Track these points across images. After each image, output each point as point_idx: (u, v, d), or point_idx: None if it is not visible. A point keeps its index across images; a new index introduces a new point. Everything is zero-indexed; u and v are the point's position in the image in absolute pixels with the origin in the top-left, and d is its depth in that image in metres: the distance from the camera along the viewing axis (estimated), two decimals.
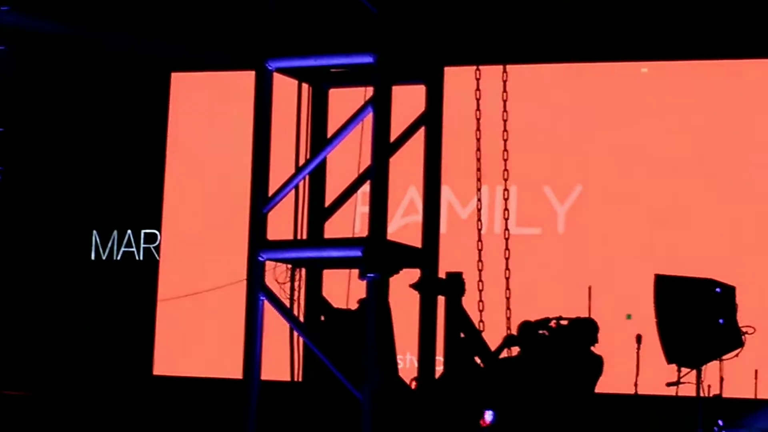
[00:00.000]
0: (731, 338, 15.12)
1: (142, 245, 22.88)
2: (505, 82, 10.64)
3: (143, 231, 22.77)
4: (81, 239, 23.04)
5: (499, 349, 11.85)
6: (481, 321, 10.47)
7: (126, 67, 21.84)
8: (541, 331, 12.99)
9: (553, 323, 13.14)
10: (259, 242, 10.01)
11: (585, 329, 13.27)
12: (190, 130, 21.72)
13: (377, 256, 9.56)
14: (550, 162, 18.28)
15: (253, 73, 10.31)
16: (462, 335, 10.48)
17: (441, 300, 10.21)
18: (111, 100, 21.90)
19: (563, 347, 13.05)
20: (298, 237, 10.36)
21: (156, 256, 22.50)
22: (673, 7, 18.49)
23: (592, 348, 13.09)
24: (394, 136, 9.94)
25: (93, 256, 23.04)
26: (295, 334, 10.23)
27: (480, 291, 10.33)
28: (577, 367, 13.20)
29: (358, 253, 9.66)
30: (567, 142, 18.65)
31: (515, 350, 12.48)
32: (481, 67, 10.67)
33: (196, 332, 20.67)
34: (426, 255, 10.11)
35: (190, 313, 21.08)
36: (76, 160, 22.25)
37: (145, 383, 20.83)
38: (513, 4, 18.79)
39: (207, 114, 21.32)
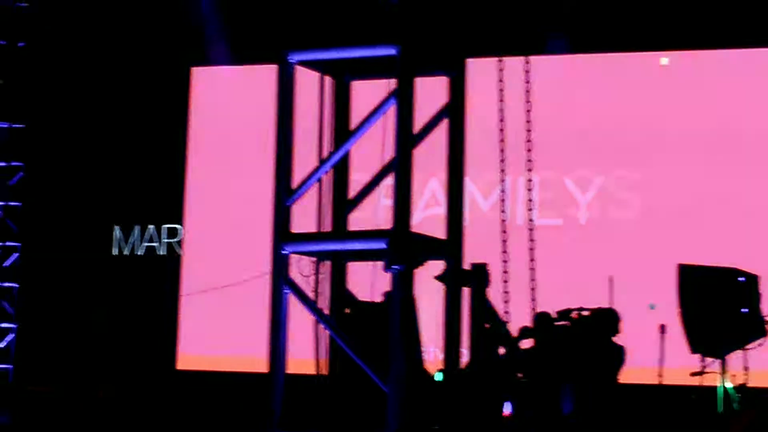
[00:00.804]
0: (755, 327, 15.06)
1: (164, 240, 22.89)
2: (528, 72, 10.60)
3: (165, 226, 22.78)
4: (104, 236, 23.09)
5: (516, 341, 11.85)
6: (506, 312, 10.43)
7: (147, 63, 21.87)
8: (563, 322, 12.98)
9: (574, 314, 13.12)
10: (282, 235, 9.99)
11: (606, 319, 13.25)
12: (212, 125, 21.68)
13: (402, 247, 9.54)
14: (571, 153, 18.26)
15: (274, 66, 10.31)
16: (487, 326, 10.46)
17: (466, 291, 10.19)
18: (132, 96, 21.90)
19: (584, 337, 13.04)
20: (322, 230, 10.35)
21: (178, 250, 22.52)
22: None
23: (613, 338, 13.08)
24: (417, 128, 9.93)
25: (115, 252, 23.08)
26: (320, 326, 10.23)
27: (505, 282, 10.30)
28: (598, 357, 13.18)
29: (382, 245, 9.64)
30: (588, 133, 18.63)
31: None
32: (504, 59, 10.65)
33: (220, 327, 20.68)
34: (450, 246, 10.09)
35: (214, 307, 21.05)
36: (98, 156, 22.25)
37: (169, 378, 20.89)
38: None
39: (228, 108, 21.29)
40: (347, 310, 10.67)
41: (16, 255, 22.76)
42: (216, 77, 22.17)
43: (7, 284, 22.72)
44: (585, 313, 13.09)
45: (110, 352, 20.52)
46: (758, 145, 17.98)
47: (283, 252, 9.99)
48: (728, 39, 18.58)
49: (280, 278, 9.97)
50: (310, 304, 10.07)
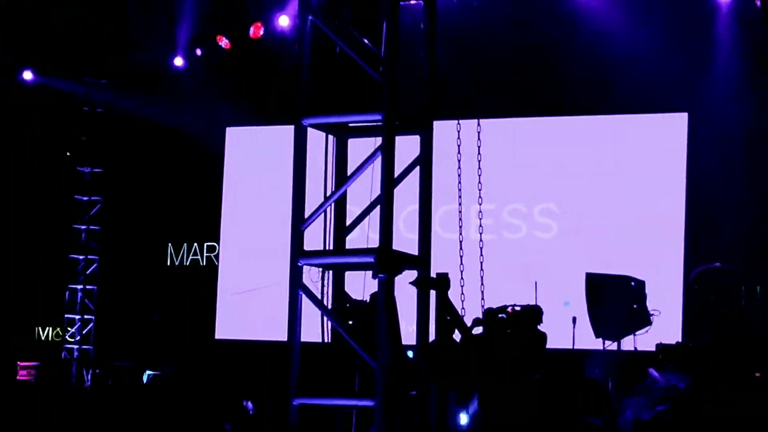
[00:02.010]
0: (643, 319, 15.14)
1: (205, 254, 22.87)
2: (479, 132, 10.62)
3: (206, 244, 22.77)
4: (160, 251, 23.11)
5: (470, 329, 11.87)
6: (462, 308, 10.47)
7: (192, 123, 21.89)
8: (501, 315, 13.06)
9: (510, 309, 13.22)
10: (298, 252, 9.98)
11: (533, 313, 13.37)
12: (242, 169, 21.81)
13: (385, 261, 9.55)
14: (508, 191, 18.34)
15: (291, 127, 10.31)
16: (448, 319, 10.48)
17: (432, 293, 10.22)
18: (183, 148, 21.92)
19: (518, 326, 13.12)
20: (327, 248, 10.36)
21: (216, 262, 22.53)
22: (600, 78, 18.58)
23: (538, 327, 13.17)
24: (396, 173, 9.94)
25: (168, 263, 23.07)
26: (325, 318, 10.22)
27: (461, 286, 10.33)
28: (527, 341, 13.25)
29: (371, 259, 9.64)
30: (520, 178, 18.72)
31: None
32: (461, 121, 10.67)
33: (248, 323, 20.74)
34: (421, 260, 10.10)
35: (243, 307, 21.17)
36: (157, 192, 22.27)
37: (209, 350, 20.99)
38: (483, 79, 18.89)
39: (255, 157, 21.33)
40: (348, 305, 10.69)
41: (95, 265, 22.76)
42: (245, 134, 22.21)
43: (89, 287, 22.74)
44: (518, 308, 13.20)
45: (167, 335, 20.60)
46: (639, 188, 18.09)
47: (299, 264, 9.99)
48: (618, 108, 18.69)
49: (296, 283, 9.99)
50: (318, 302, 10.07)
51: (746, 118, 17.77)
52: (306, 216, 10.05)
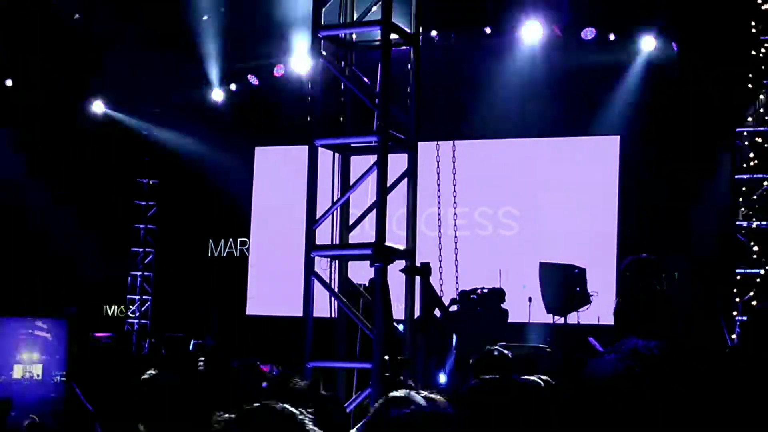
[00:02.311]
0: (584, 299, 15.13)
1: (238, 247, 22.88)
2: (454, 151, 10.61)
3: (239, 239, 22.78)
4: (203, 245, 23.13)
5: (448, 306, 11.86)
6: (441, 290, 10.46)
7: (230, 143, 21.97)
8: (472, 296, 13.06)
9: (479, 291, 13.24)
10: (311, 245, 9.95)
11: (498, 294, 13.38)
12: (267, 180, 21.82)
13: (380, 253, 9.55)
14: (478, 197, 18.31)
15: (306, 147, 10.30)
16: (430, 298, 10.48)
17: (417, 279, 10.21)
18: (222, 163, 21.93)
19: (486, 304, 13.12)
20: (334, 242, 10.34)
21: (246, 254, 22.55)
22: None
23: (502, 305, 13.18)
24: (389, 183, 9.94)
25: (209, 254, 23.10)
26: (333, 299, 10.21)
27: (440, 273, 10.32)
28: (494, 317, 13.25)
29: (369, 251, 9.64)
30: (488, 186, 18.72)
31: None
32: (440, 143, 10.67)
33: (272, 302, 20.71)
34: (409, 252, 10.08)
35: (268, 289, 21.19)
36: (200, 198, 22.28)
37: (241, 322, 21.00)
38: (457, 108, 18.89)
39: (277, 171, 21.35)
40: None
41: (151, 256, 22.81)
42: (270, 152, 22.23)
43: (147, 273, 22.88)
44: (485, 290, 13.19)
45: (208, 312, 20.54)
46: (582, 195, 18.10)
47: (311, 255, 9.98)
48: (564, 131, 18.70)
49: (310, 270, 9.98)
50: (327, 286, 10.06)
51: (667, 139, 17.84)
52: (317, 217, 10.05)
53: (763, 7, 10.97)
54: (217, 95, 21.98)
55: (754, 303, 14.07)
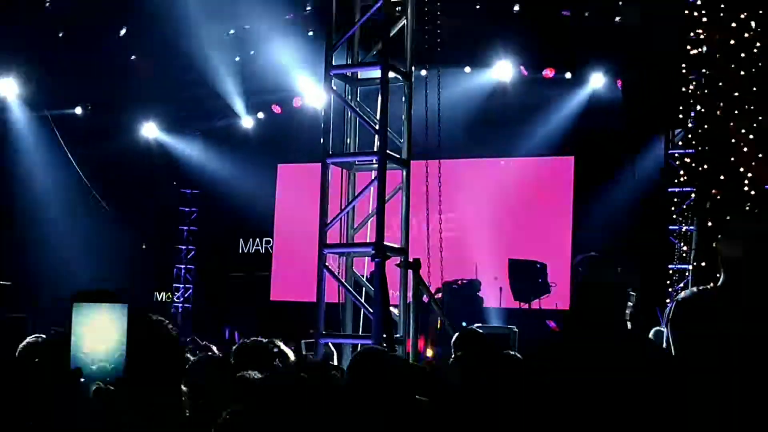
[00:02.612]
0: (544, 288, 15.09)
1: (264, 245, 22.88)
2: (440, 167, 10.56)
3: (264, 238, 22.77)
4: (235, 243, 23.13)
5: (434, 294, 11.80)
6: (429, 281, 10.40)
7: (257, 160, 21.93)
8: (454, 285, 13.01)
9: (459, 282, 13.20)
10: (323, 244, 9.96)
11: (475, 284, 13.33)
12: (288, 191, 21.82)
13: (379, 250, 9.56)
14: (462, 204, 18.26)
15: (319, 164, 10.28)
16: (420, 287, 10.43)
17: (410, 272, 10.17)
18: (251, 177, 21.86)
19: (465, 293, 13.07)
20: (342, 241, 10.32)
21: (270, 251, 22.54)
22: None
23: (478, 293, 13.14)
24: (387, 194, 9.92)
25: (239, 251, 23.09)
26: (341, 288, 10.20)
27: (428, 267, 10.24)
28: (471, 303, 13.20)
29: (370, 249, 9.68)
30: (467, 195, 18.67)
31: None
32: (428, 162, 10.63)
33: (291, 290, 20.67)
34: (403, 250, 10.07)
35: (287, 279, 21.15)
36: (233, 205, 22.21)
37: (266, 306, 20.93)
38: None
39: (296, 183, 21.33)
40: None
41: (193, 252, 22.80)
42: (290, 169, 22.23)
43: (189, 266, 22.76)
44: (465, 280, 13.14)
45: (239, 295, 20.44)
46: (545, 204, 18.05)
47: (324, 252, 9.98)
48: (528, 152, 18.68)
49: (322, 264, 9.96)
50: (336, 277, 10.05)
51: (612, 159, 17.87)
52: (328, 221, 10.04)
53: (691, 52, 10.99)
54: (247, 122, 22.04)
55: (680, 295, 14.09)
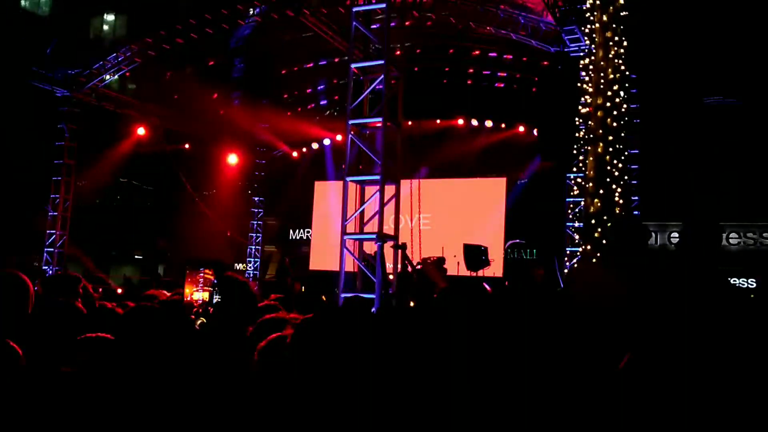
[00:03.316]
0: (486, 263, 14.96)
1: (305, 234, 22.80)
2: (419, 183, 10.50)
3: (306, 229, 22.68)
4: (286, 231, 23.00)
5: (415, 266, 11.71)
6: (412, 258, 10.38)
7: (302, 179, 21.86)
8: (428, 260, 12.88)
9: (431, 258, 13.04)
10: (344, 232, 9.94)
11: (441, 260, 13.18)
12: (321, 199, 21.65)
13: (380, 237, 9.55)
14: (434, 207, 18.21)
15: (341, 181, 10.26)
16: (406, 262, 10.39)
17: (400, 252, 10.14)
18: (298, 190, 21.82)
19: (434, 266, 12.93)
20: (356, 231, 10.30)
21: (309, 237, 22.42)
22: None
23: (443, 266, 13.00)
24: (385, 200, 9.90)
25: (290, 237, 23.02)
26: (356, 263, 10.18)
27: (411, 249, 10.22)
28: (439, 273, 13.07)
29: (374, 236, 9.66)
30: (436, 202, 18.60)
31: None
32: (421, 181, 10.59)
33: (323, 262, 20.58)
34: (395, 237, 10.04)
35: (320, 255, 21.03)
36: (287, 209, 22.10)
37: (307, 274, 20.84)
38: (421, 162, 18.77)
39: (328, 194, 21.25)
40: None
41: (260, 237, 22.41)
42: (322, 185, 22.10)
43: (258, 247, 22.43)
44: (435, 258, 13.01)
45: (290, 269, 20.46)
46: (488, 209, 17.95)
47: (344, 238, 9.96)
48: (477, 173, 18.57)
49: (343, 246, 9.95)
50: (352, 254, 10.04)
51: (535, 179, 17.89)
52: (347, 217, 10.04)
53: (581, 111, 10.91)
54: (295, 154, 22.04)
55: (575, 264, 14.07)
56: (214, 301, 2.94)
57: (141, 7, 17.61)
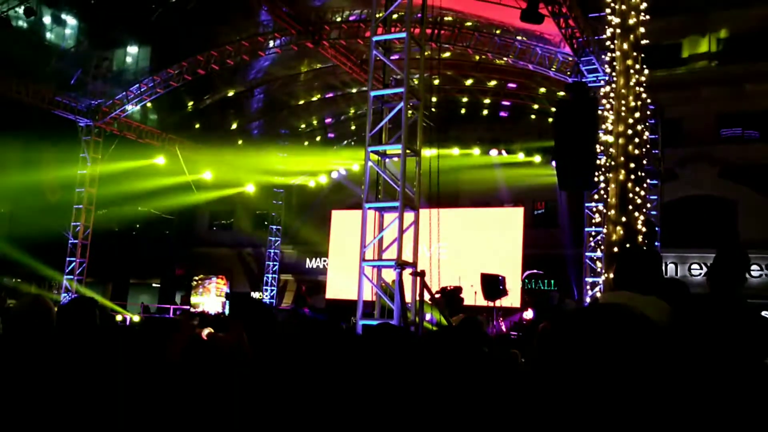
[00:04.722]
0: (503, 293, 14.74)
1: (323, 262, 22.73)
2: (438, 213, 10.42)
3: (323, 258, 22.63)
4: (303, 260, 22.92)
5: (434, 294, 11.54)
6: (430, 285, 10.24)
7: (320, 208, 21.84)
8: (448, 290, 12.69)
9: (449, 287, 12.86)
10: (363, 259, 9.84)
11: (458, 289, 12.96)
12: (339, 227, 21.55)
13: (399, 264, 9.43)
14: (452, 237, 18.08)
15: (359, 210, 10.19)
16: (424, 288, 10.22)
17: (419, 279, 9.99)
18: (317, 220, 21.80)
19: (453, 294, 12.75)
20: (375, 258, 10.18)
21: (326, 265, 22.33)
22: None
23: (461, 295, 12.79)
24: (404, 227, 9.79)
25: (306, 266, 22.91)
26: (374, 289, 10.04)
27: (430, 276, 10.09)
28: (456, 302, 12.88)
29: (393, 263, 9.55)
30: (456, 231, 18.45)
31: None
32: (431, 209, 10.50)
33: (340, 291, 20.43)
34: (414, 264, 9.91)
35: (338, 284, 20.88)
36: (305, 237, 22.00)
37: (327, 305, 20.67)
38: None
39: (345, 220, 21.19)
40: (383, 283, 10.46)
41: (278, 265, 22.37)
42: (340, 214, 22.04)
43: (275, 275, 22.37)
44: (452, 287, 12.81)
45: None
46: (505, 239, 17.82)
47: (363, 265, 9.85)
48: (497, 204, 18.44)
49: (362, 273, 9.83)
50: (370, 281, 9.91)
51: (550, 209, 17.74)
52: (366, 244, 9.94)
53: (600, 139, 10.75)
54: (312, 183, 22.09)
55: (597, 294, 13.85)
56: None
57: (163, 39, 17.85)
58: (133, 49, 20.02)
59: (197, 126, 19.54)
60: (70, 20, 19.04)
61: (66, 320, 3.30)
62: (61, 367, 2.74)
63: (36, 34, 18.30)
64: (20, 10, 14.93)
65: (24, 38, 17.33)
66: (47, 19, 18.67)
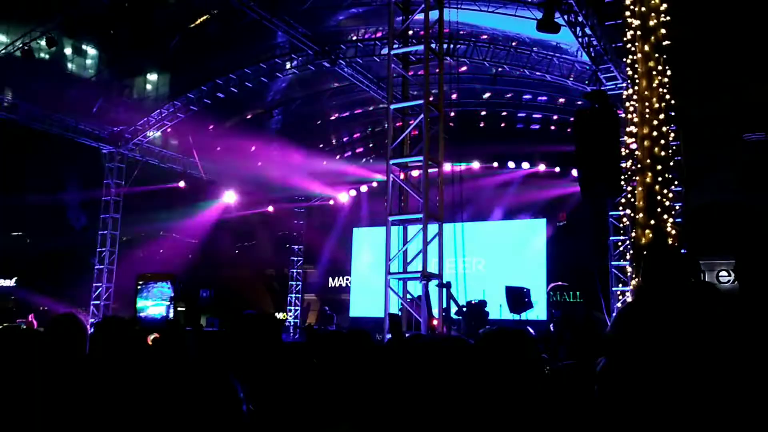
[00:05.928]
0: (528, 305, 14.57)
1: (345, 281, 22.62)
2: (463, 227, 10.33)
3: (345, 276, 22.51)
4: (326, 279, 22.84)
5: (461, 307, 11.43)
6: (457, 297, 10.13)
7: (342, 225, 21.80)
8: (471, 303, 12.55)
9: (473, 301, 12.72)
10: (388, 272, 9.78)
11: (483, 303, 12.85)
12: (361, 244, 21.50)
13: (424, 276, 9.35)
14: (476, 250, 17.95)
15: (380, 227, 10.14)
16: (450, 300, 10.14)
17: (445, 289, 9.90)
18: (336, 237, 21.75)
19: (477, 308, 12.61)
20: (400, 271, 10.11)
21: (349, 284, 22.21)
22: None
23: (485, 309, 12.67)
24: (428, 239, 9.72)
25: (329, 285, 22.84)
26: (401, 302, 9.95)
27: (456, 289, 9.99)
28: (481, 315, 12.74)
29: (419, 276, 9.46)
30: (479, 244, 18.33)
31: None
32: (455, 223, 10.41)
33: (364, 308, 20.29)
34: (439, 276, 9.82)
35: (361, 301, 20.74)
36: (328, 256, 21.96)
37: (347, 321, 20.55)
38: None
39: (366, 237, 21.10)
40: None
41: (300, 285, 22.28)
42: (361, 230, 21.97)
43: (297, 295, 22.27)
44: (477, 300, 12.69)
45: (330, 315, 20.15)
46: (529, 251, 17.62)
47: (388, 278, 9.78)
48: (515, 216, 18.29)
49: (387, 286, 9.76)
50: (397, 294, 9.84)
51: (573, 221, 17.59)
52: (391, 257, 9.88)
53: (629, 144, 10.56)
54: (332, 202, 22.07)
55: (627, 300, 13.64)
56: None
57: (182, 64, 18.05)
58: (152, 77, 20.25)
59: (218, 149, 19.68)
60: (90, 50, 19.30)
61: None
62: None
63: (57, 64, 18.58)
64: (42, 42, 15.14)
65: (46, 69, 17.61)
66: (68, 50, 18.93)
